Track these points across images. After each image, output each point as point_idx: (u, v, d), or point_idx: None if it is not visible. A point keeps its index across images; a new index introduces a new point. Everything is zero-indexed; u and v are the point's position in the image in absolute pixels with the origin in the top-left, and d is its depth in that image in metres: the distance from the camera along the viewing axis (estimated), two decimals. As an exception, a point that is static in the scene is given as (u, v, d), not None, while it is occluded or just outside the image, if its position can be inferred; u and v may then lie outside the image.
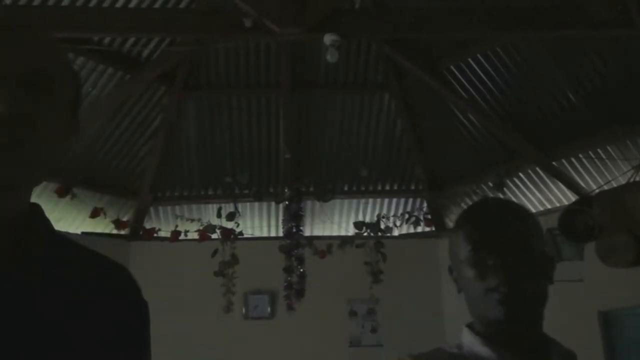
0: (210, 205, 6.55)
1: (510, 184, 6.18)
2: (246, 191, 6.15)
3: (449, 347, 1.22)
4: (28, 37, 0.86)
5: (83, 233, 6.04)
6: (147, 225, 6.41)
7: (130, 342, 0.92)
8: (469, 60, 5.64)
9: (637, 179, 5.14)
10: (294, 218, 5.82)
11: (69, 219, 6.00)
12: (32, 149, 0.80)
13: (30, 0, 4.60)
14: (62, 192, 5.49)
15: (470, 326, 1.21)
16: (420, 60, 5.77)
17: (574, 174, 5.81)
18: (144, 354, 0.96)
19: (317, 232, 6.65)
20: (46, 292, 0.83)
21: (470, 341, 1.18)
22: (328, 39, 3.96)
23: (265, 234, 6.83)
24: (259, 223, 6.83)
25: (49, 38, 0.89)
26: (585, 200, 5.34)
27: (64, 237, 0.94)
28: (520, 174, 6.14)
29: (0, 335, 0.77)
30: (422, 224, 6.52)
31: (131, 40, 5.38)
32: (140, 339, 0.95)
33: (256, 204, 6.57)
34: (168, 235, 5.99)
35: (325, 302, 6.17)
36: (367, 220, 6.50)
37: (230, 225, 5.90)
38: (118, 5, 4.88)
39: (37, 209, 0.91)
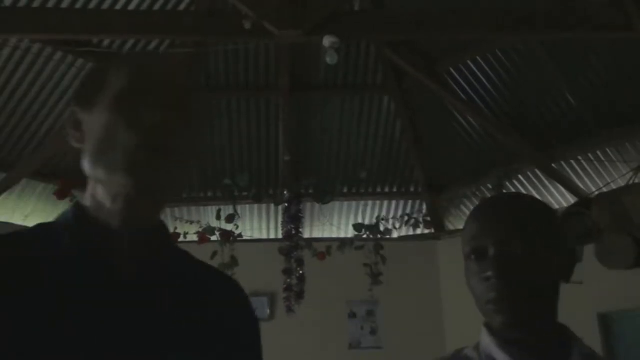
0: (209, 207, 6.55)
1: (510, 186, 6.18)
2: (246, 193, 6.15)
3: (468, 350, 1.19)
4: (171, 64, 0.97)
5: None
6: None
7: (245, 352, 0.99)
8: (468, 62, 5.65)
9: (637, 181, 5.15)
10: (294, 220, 5.81)
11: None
12: (175, 159, 0.89)
13: (30, 1, 4.61)
14: (61, 195, 5.48)
15: (488, 325, 1.17)
16: (420, 62, 5.77)
17: (573, 176, 5.82)
18: None
19: (317, 234, 6.65)
20: (161, 304, 0.90)
21: (486, 342, 1.15)
22: (327, 41, 3.96)
23: (264, 236, 6.84)
24: (259, 225, 6.84)
25: (185, 68, 1.01)
26: (584, 202, 5.34)
27: (179, 250, 1.02)
28: (520, 176, 6.14)
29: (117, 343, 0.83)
30: (421, 226, 6.52)
31: (131, 42, 5.38)
32: (255, 349, 1.02)
33: (255, 206, 6.58)
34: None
35: (325, 304, 6.17)
36: (367, 222, 6.50)
37: (229, 227, 5.90)
38: (117, 7, 4.89)
39: (164, 224, 1.00)
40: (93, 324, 0.82)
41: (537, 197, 5.38)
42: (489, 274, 1.09)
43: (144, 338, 0.85)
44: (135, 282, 0.88)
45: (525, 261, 1.09)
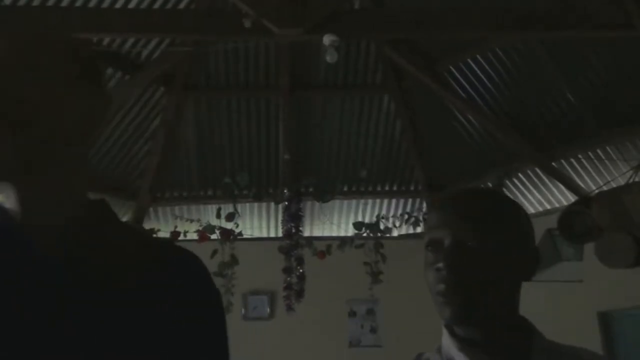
0: (209, 206, 6.55)
1: (510, 185, 6.18)
2: (246, 192, 6.15)
3: (428, 354, 1.18)
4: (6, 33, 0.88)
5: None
6: (147, 225, 6.41)
7: (200, 333, 0.91)
8: (469, 61, 5.65)
9: (636, 179, 5.15)
10: (294, 219, 5.81)
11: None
12: (29, 127, 0.81)
13: (30, 0, 4.61)
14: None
15: (448, 326, 1.16)
16: (420, 61, 5.77)
17: (573, 174, 5.82)
18: (218, 345, 0.94)
19: (317, 232, 6.65)
20: (94, 282, 0.83)
21: (447, 344, 1.14)
22: (327, 39, 3.96)
23: (264, 235, 6.84)
24: (259, 223, 6.84)
25: (26, 30, 0.90)
26: (584, 200, 5.34)
27: (129, 227, 0.96)
28: (520, 175, 6.14)
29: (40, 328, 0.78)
30: (421, 224, 6.51)
31: (130, 41, 5.38)
32: (212, 328, 0.94)
33: (255, 204, 6.58)
34: (167, 235, 5.98)
35: (325, 303, 6.17)
36: (367, 220, 6.50)
37: (229, 225, 5.90)
38: (117, 5, 4.88)
39: (99, 204, 0.92)
40: (28, 320, 0.78)
41: (539, 195, 5.30)
42: (440, 265, 1.08)
43: (80, 329, 0.80)
44: (66, 270, 0.82)
45: (479, 255, 1.07)
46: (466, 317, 1.08)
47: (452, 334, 1.13)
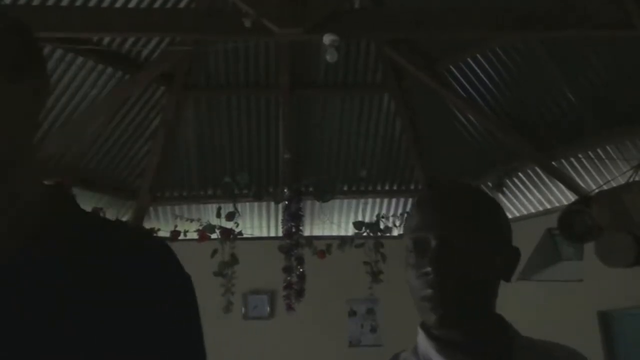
0: (209, 205, 6.55)
1: (510, 184, 6.18)
2: (246, 191, 6.15)
3: (405, 353, 1.15)
4: None
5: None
6: (147, 225, 6.41)
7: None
8: (469, 60, 5.65)
9: (637, 179, 5.14)
10: (294, 218, 5.82)
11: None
12: None
13: (30, 0, 4.60)
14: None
15: (424, 326, 1.11)
16: (420, 60, 5.77)
17: (573, 174, 5.82)
18: (185, 336, 0.90)
19: (317, 232, 6.65)
20: (55, 273, 0.81)
21: (424, 345, 1.10)
22: (327, 39, 3.96)
23: (264, 234, 6.84)
24: (259, 223, 6.84)
25: None
26: (584, 200, 5.34)
27: (92, 217, 0.92)
28: (520, 174, 6.14)
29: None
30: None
31: (130, 40, 5.38)
32: (178, 318, 0.89)
33: (255, 203, 6.58)
34: (167, 235, 5.98)
35: (325, 302, 6.17)
36: (367, 220, 6.50)
37: (229, 225, 5.90)
38: (117, 5, 4.88)
39: (55, 192, 0.90)
40: None
41: (539, 194, 5.29)
42: (428, 269, 1.04)
43: (80, 329, 0.78)
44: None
45: (466, 257, 1.03)
46: (453, 322, 1.05)
47: (429, 334, 1.10)
